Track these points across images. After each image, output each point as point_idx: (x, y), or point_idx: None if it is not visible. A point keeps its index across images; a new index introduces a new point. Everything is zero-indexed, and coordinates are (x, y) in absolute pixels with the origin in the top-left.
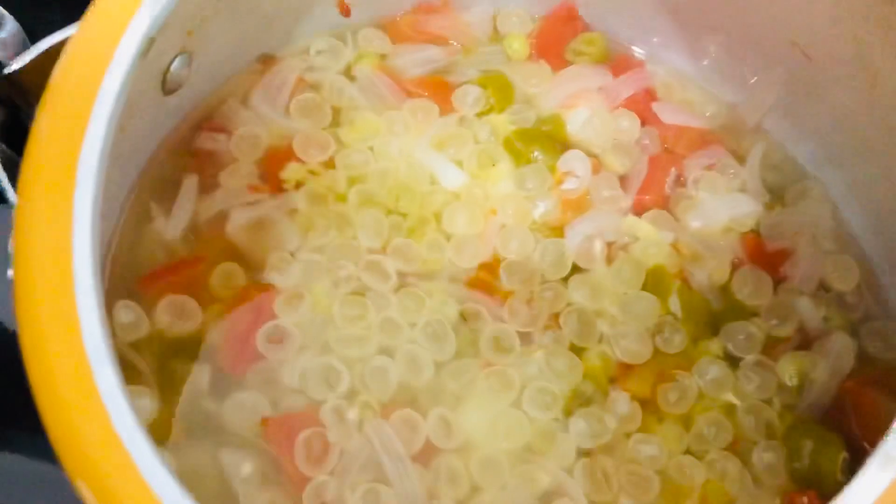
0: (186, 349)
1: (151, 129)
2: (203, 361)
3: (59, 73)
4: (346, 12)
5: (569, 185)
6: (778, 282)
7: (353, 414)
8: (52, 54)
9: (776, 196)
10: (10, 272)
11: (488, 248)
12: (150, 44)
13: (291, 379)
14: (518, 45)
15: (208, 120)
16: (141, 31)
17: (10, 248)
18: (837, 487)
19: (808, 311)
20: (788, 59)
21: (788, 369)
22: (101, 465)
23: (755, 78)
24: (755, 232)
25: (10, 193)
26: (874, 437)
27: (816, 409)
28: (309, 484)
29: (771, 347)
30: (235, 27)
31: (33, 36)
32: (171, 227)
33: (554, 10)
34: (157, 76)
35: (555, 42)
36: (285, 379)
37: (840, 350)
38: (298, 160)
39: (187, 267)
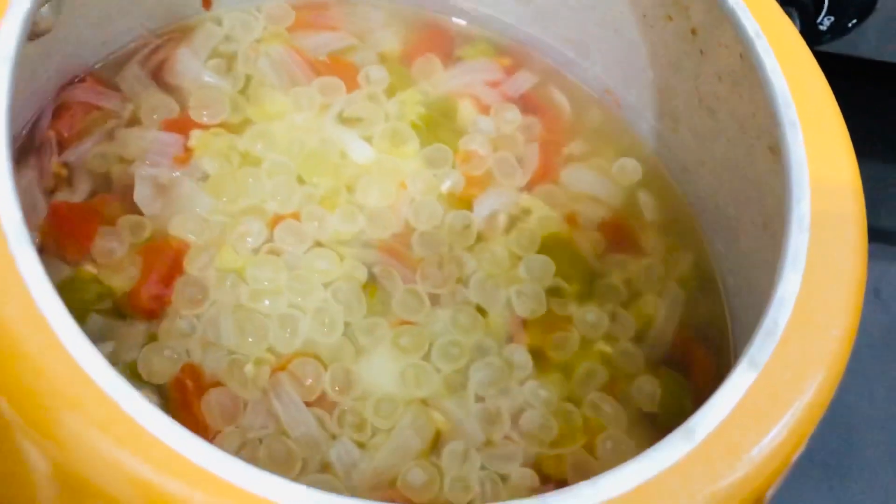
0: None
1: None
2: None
3: None
4: (207, 5)
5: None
6: None
7: (248, 368)
8: None
9: None
10: None
11: (400, 219)
12: None
13: (206, 331)
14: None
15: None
16: None
17: None
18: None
19: None
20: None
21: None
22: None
23: None
24: None
25: None
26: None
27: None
28: (217, 436)
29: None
30: None
31: None
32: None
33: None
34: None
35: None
36: (199, 331)
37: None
38: (199, 125)
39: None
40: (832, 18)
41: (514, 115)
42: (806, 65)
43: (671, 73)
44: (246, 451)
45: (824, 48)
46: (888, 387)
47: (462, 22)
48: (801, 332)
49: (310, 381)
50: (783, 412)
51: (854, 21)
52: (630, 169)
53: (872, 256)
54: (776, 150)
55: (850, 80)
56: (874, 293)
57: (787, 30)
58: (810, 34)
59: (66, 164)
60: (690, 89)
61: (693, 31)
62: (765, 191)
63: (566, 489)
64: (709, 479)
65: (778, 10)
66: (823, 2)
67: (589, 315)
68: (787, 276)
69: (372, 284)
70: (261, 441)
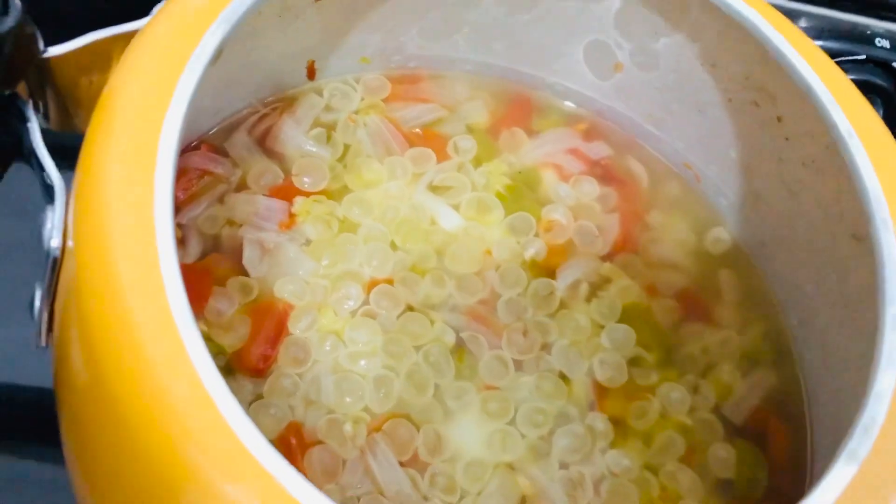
0: None
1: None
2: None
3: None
4: (311, 76)
5: (554, 232)
6: None
7: (347, 427)
8: (94, 48)
9: None
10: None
11: (486, 286)
12: (219, 54)
13: (308, 391)
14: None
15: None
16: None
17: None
18: None
19: None
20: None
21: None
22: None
23: None
24: None
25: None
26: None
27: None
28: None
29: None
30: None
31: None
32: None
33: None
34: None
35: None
36: (302, 390)
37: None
38: (301, 192)
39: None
40: None
41: (592, 186)
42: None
43: (754, 154)
44: None
45: None
46: None
47: (545, 93)
48: None
49: (403, 441)
50: None
51: None
52: (717, 239)
53: None
54: (860, 238)
55: None
56: None
57: (875, 124)
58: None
59: (179, 226)
60: (773, 171)
61: (779, 119)
62: (845, 273)
63: None
64: None
65: (865, 104)
66: None
67: (673, 393)
68: (883, 373)
69: (460, 349)
70: (359, 499)
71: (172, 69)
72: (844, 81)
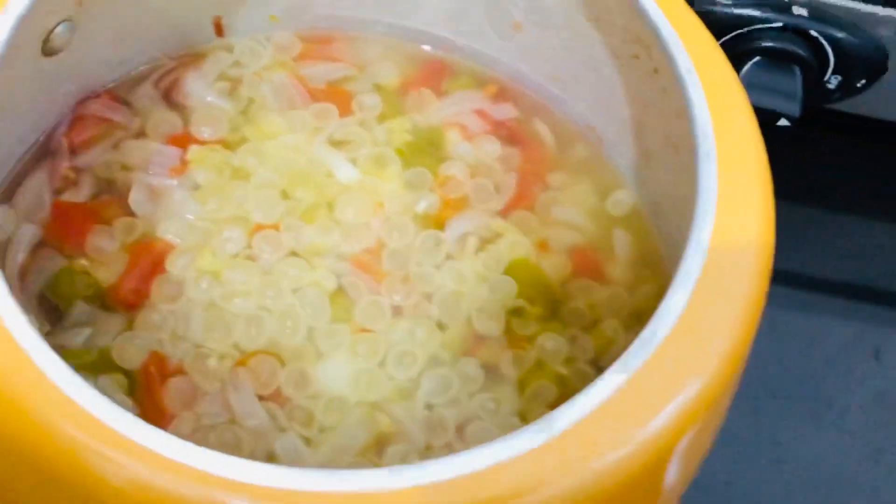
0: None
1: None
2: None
3: None
4: (219, 32)
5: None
6: None
7: (212, 361)
8: None
9: None
10: None
11: (373, 236)
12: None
13: (177, 325)
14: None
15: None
16: None
17: None
18: None
19: None
20: None
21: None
22: None
23: None
24: None
25: None
26: None
27: None
28: (173, 421)
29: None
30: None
31: None
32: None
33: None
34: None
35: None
36: (170, 324)
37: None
38: (198, 141)
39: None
40: (839, 78)
41: (493, 146)
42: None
43: (642, 111)
44: (198, 435)
45: (836, 107)
46: (874, 450)
47: (455, 57)
48: (678, 345)
49: (266, 376)
50: (649, 418)
51: (863, 81)
52: (616, 201)
53: (878, 319)
54: None
55: (863, 137)
56: (875, 355)
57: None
58: (818, 92)
59: (74, 168)
60: (658, 127)
61: (655, 70)
62: None
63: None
64: (562, 471)
65: (710, 43)
66: (829, 60)
67: (549, 343)
68: (675, 293)
69: (339, 293)
70: (213, 428)
71: None
72: (693, 23)
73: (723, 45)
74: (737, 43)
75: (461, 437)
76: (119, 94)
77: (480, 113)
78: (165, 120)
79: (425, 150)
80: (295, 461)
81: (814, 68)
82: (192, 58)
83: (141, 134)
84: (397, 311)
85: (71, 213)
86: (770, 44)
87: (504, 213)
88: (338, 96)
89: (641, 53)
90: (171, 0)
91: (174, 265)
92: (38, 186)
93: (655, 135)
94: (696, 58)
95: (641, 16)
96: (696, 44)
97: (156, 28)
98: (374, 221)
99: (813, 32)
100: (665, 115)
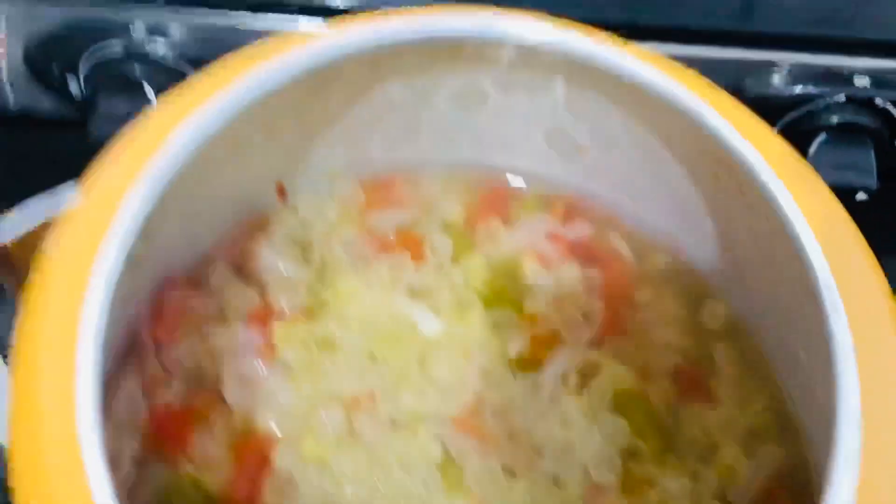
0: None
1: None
2: None
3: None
4: (282, 195)
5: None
6: None
7: None
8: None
9: None
10: None
11: (469, 391)
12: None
13: None
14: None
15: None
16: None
17: None
18: None
19: None
20: None
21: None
22: None
23: None
24: None
25: None
26: None
27: None
28: None
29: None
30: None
31: None
32: None
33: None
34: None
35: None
36: None
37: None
38: (279, 315)
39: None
40: None
41: (573, 271)
42: None
43: (727, 223)
44: None
45: None
46: None
47: (518, 182)
48: None
49: None
50: None
51: None
52: (712, 313)
53: None
54: None
55: None
56: None
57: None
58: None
59: (163, 366)
60: (747, 239)
61: (741, 189)
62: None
63: None
64: None
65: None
66: None
67: (672, 484)
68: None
69: (448, 462)
70: None
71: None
72: (774, 141)
73: (784, 127)
74: (799, 122)
75: None
76: (194, 277)
77: (553, 237)
78: (243, 296)
79: (504, 286)
80: None
81: (884, 136)
82: (258, 226)
83: (221, 317)
84: (509, 471)
85: (168, 417)
86: (835, 119)
87: (598, 342)
88: (408, 242)
89: (723, 174)
90: (236, 172)
91: (281, 460)
92: (131, 393)
93: (745, 247)
94: (785, 177)
95: (717, 140)
96: (782, 162)
97: (222, 203)
98: (469, 375)
99: (878, 101)
100: (755, 230)
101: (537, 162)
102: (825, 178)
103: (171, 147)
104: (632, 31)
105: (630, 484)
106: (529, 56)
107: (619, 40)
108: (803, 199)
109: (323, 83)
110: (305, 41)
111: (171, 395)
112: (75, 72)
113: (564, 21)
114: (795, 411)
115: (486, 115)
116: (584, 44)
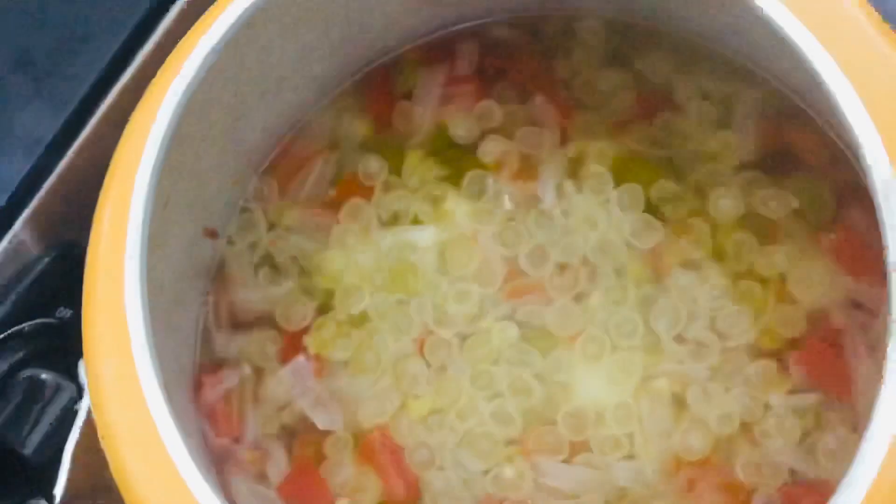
0: None
1: None
2: None
3: None
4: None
5: None
6: None
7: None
8: None
9: None
10: None
11: (499, 259)
12: None
13: None
14: None
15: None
16: None
17: None
18: None
19: None
20: None
21: None
22: None
23: None
24: None
25: None
26: None
27: None
28: None
29: None
30: None
31: None
32: None
33: None
34: None
35: None
36: None
37: None
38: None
39: None
40: None
41: None
42: None
43: None
44: None
45: None
46: None
47: None
48: None
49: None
50: None
51: None
52: None
53: None
54: None
55: None
56: None
57: None
58: None
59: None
60: None
61: None
62: None
63: None
64: None
65: None
66: None
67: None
68: None
69: (526, 330)
70: None
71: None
72: None
73: None
74: None
75: None
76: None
77: None
78: (264, 343)
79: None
80: None
81: None
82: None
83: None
84: (576, 299)
85: (293, 481)
86: None
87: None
88: (352, 188)
89: None
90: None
91: (397, 435)
92: (251, 489)
93: None
94: None
95: None
96: None
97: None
98: (485, 249)
99: None
100: None
101: None
102: None
103: None
104: None
105: (675, 227)
106: None
107: None
108: None
109: None
110: None
111: (282, 465)
112: None
113: None
114: None
115: None
116: None
